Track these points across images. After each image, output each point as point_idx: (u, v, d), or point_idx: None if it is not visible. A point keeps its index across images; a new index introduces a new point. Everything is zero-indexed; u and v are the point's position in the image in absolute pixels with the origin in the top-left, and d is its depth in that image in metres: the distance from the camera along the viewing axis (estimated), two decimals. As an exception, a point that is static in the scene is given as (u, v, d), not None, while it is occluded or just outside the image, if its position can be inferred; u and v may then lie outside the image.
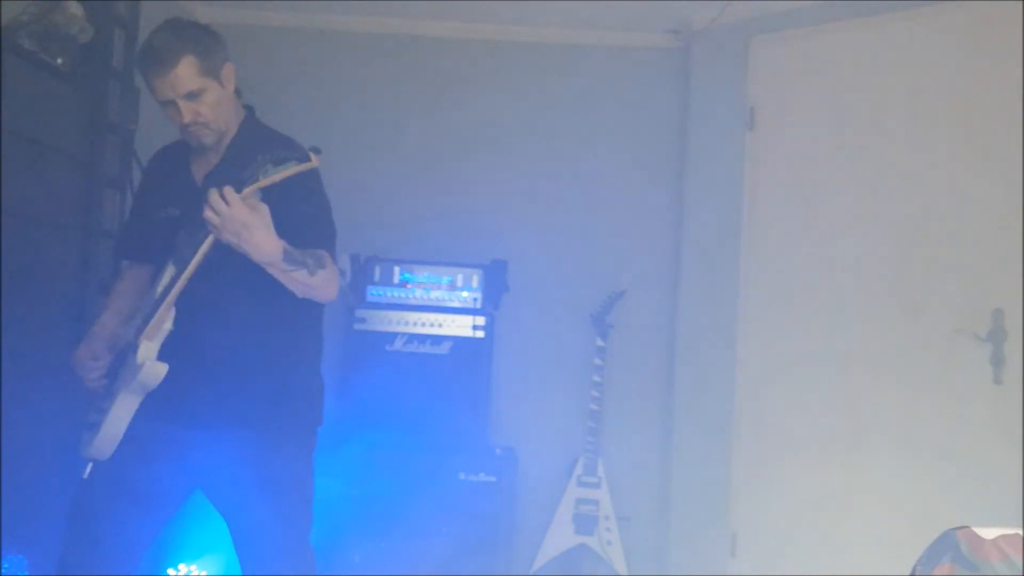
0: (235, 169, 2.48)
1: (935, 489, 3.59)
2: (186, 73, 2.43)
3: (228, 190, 2.27)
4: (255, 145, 2.54)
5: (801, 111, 4.22)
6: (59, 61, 3.16)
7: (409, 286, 4.30)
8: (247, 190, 2.26)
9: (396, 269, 4.30)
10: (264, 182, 2.25)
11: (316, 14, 4.74)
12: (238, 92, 2.59)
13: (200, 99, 2.47)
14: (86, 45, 3.25)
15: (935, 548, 1.91)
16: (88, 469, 2.50)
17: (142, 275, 2.75)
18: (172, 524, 2.60)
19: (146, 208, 2.67)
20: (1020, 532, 1.87)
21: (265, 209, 2.30)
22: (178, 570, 3.58)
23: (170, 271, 2.46)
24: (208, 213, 2.28)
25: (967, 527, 1.89)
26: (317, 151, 2.25)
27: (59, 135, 3.24)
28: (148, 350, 2.44)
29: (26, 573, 2.90)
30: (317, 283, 2.44)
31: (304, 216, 2.44)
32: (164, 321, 2.44)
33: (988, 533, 1.87)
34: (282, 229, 2.34)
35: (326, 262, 2.45)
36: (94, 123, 3.40)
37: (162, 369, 2.44)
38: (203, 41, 2.48)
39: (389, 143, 4.74)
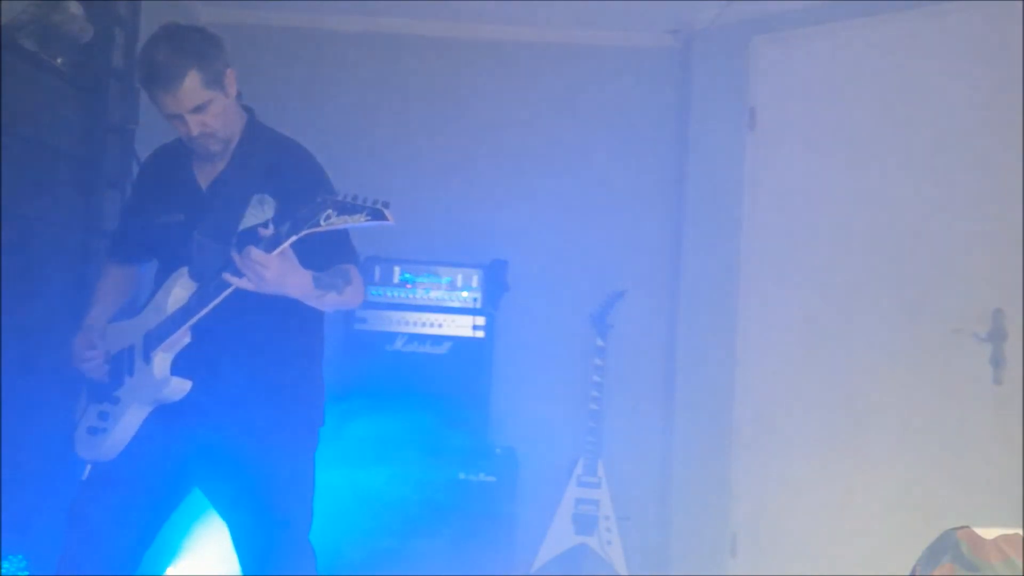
0: (242, 175, 2.50)
1: (935, 489, 3.60)
2: (192, 87, 2.41)
3: (260, 254, 2.24)
4: (262, 150, 2.56)
5: (801, 111, 4.21)
6: (59, 61, 3.16)
7: (409, 286, 4.30)
8: (305, 232, 2.22)
9: (396, 269, 4.30)
10: (325, 227, 2.21)
11: (316, 14, 4.74)
12: (238, 94, 2.58)
13: (207, 111, 2.45)
14: (86, 45, 3.25)
15: (935, 548, 1.91)
16: (87, 470, 2.51)
17: (129, 274, 2.77)
18: (172, 524, 2.60)
19: (145, 211, 2.65)
20: (1020, 532, 1.87)
21: (291, 252, 2.28)
22: (177, 569, 3.58)
23: (184, 283, 2.46)
24: (249, 275, 2.26)
25: (967, 527, 1.90)
26: (387, 205, 2.18)
27: (59, 135, 3.24)
28: (164, 362, 2.45)
29: (26, 573, 2.90)
30: (345, 300, 2.47)
31: (330, 237, 2.38)
32: (184, 336, 2.44)
33: (988, 533, 1.88)
34: (310, 251, 2.33)
35: (352, 276, 2.47)
36: (94, 123, 3.40)
37: (186, 386, 2.45)
38: (205, 51, 2.45)
39: (389, 143, 4.75)
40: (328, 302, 2.45)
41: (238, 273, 2.28)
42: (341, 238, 2.49)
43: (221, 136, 2.52)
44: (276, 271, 2.27)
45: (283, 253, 2.27)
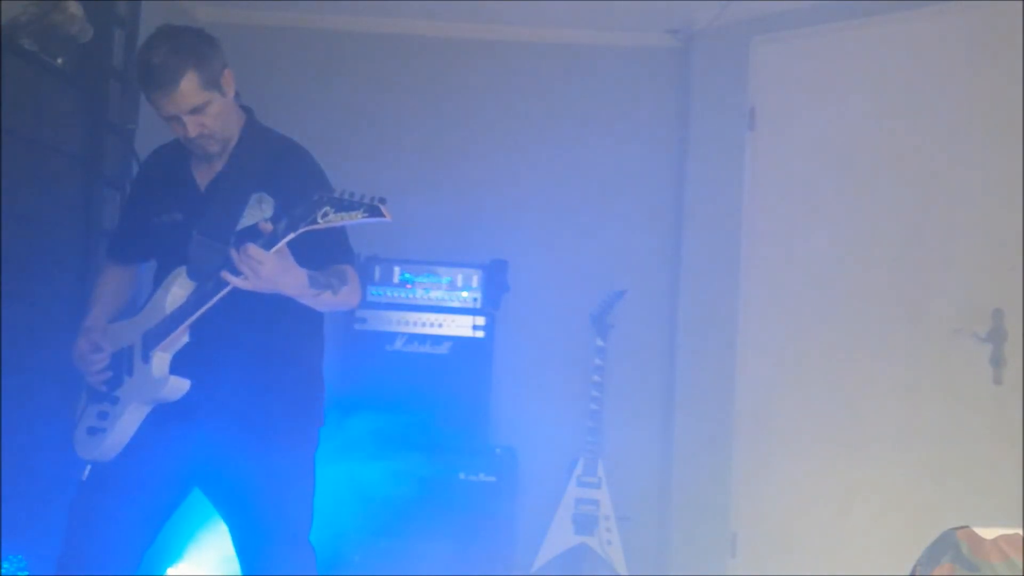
0: (241, 175, 2.49)
1: (935, 489, 3.60)
2: (189, 89, 2.41)
3: (257, 251, 2.25)
4: (260, 150, 2.55)
5: (801, 111, 4.21)
6: (59, 61, 3.15)
7: (409, 286, 4.30)
8: (302, 230, 2.22)
9: (396, 269, 4.30)
10: (323, 224, 2.21)
11: (316, 14, 4.74)
12: (236, 94, 2.57)
13: (205, 112, 2.45)
14: (86, 45, 3.24)
15: (935, 548, 1.91)
16: (87, 471, 2.51)
17: (128, 274, 2.76)
18: (172, 524, 2.60)
19: (144, 211, 2.65)
20: (1020, 532, 1.87)
21: (287, 250, 2.29)
22: (178, 570, 3.58)
23: (183, 282, 2.46)
24: (246, 272, 2.27)
25: (967, 527, 1.90)
26: (384, 202, 2.18)
27: (59, 135, 3.24)
28: (163, 361, 2.45)
29: (26, 573, 2.90)
30: (341, 299, 2.47)
31: (328, 237, 2.37)
32: (182, 335, 2.45)
33: (988, 533, 1.87)
34: (308, 251, 2.33)
35: (348, 276, 2.48)
36: (94, 123, 3.40)
37: (184, 385, 2.45)
38: (202, 52, 2.44)
39: (389, 143, 4.75)
40: (323, 302, 2.45)
41: (236, 271, 2.29)
42: (339, 238, 2.49)
43: (219, 137, 2.52)
44: (272, 268, 2.27)
45: (280, 251, 2.27)
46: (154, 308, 2.50)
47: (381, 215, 2.18)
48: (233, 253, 2.28)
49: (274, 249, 2.26)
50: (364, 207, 2.18)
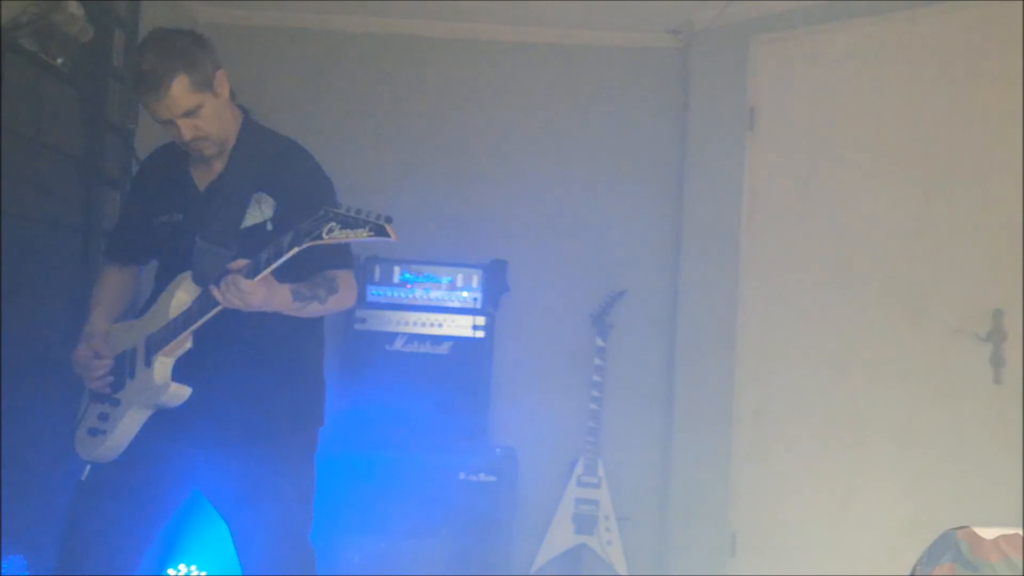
0: (240, 176, 2.49)
1: (935, 489, 3.60)
2: (180, 93, 2.39)
3: (242, 280, 2.28)
4: (259, 151, 2.55)
5: (801, 111, 4.21)
6: (59, 61, 3.15)
7: (409, 286, 4.30)
8: (306, 245, 2.24)
9: (396, 269, 4.30)
10: (327, 240, 2.23)
11: (316, 14, 4.74)
12: (232, 93, 2.56)
13: (198, 115, 2.44)
14: (86, 45, 3.25)
15: (935, 548, 1.91)
16: (86, 471, 2.51)
17: (129, 275, 2.76)
18: (172, 524, 2.60)
19: (143, 212, 2.65)
20: (1020, 532, 1.87)
21: (270, 276, 2.33)
22: (178, 570, 3.58)
23: (188, 287, 2.47)
24: (234, 302, 2.31)
25: (967, 527, 1.89)
26: (390, 221, 2.20)
27: (59, 135, 3.24)
28: (165, 367, 2.45)
29: (26, 573, 2.90)
30: (329, 308, 2.50)
31: (327, 244, 2.37)
32: (185, 341, 2.45)
33: (988, 533, 1.87)
34: (309, 255, 2.33)
35: (339, 283, 2.48)
36: (94, 123, 3.41)
37: (185, 392, 2.46)
38: (192, 54, 2.43)
39: (389, 143, 4.74)
40: (310, 311, 2.47)
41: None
42: (337, 244, 2.49)
43: (215, 139, 2.50)
44: (261, 296, 2.32)
45: (264, 277, 2.31)
46: (158, 311, 2.50)
47: (386, 235, 2.19)
48: (215, 290, 2.31)
49: (259, 277, 2.29)
50: (370, 225, 2.20)
